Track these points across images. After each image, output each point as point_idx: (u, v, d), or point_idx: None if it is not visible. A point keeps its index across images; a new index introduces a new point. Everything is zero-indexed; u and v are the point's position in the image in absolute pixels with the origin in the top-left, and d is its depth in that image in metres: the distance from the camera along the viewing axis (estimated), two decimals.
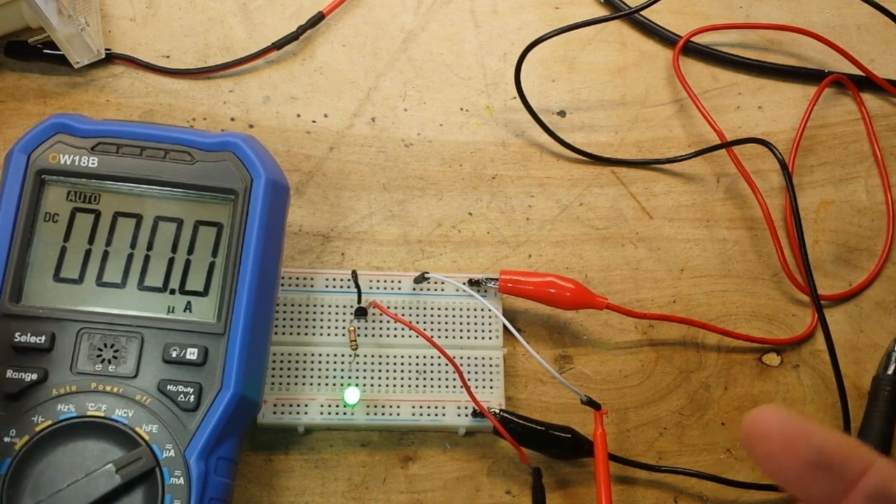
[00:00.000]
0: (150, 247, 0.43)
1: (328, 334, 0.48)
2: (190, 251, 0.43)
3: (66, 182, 0.43)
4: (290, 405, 0.46)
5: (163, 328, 0.41)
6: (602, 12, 0.59)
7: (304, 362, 0.47)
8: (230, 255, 0.42)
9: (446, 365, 0.47)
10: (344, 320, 0.48)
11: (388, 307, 0.47)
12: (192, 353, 0.41)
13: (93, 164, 0.43)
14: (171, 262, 0.43)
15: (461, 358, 0.48)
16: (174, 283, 0.43)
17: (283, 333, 0.47)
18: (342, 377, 0.47)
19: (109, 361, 0.40)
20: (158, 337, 0.41)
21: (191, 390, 0.40)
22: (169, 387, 0.40)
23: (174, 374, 0.40)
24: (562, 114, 0.57)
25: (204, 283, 0.43)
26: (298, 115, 0.54)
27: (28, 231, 0.42)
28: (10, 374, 0.40)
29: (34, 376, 0.40)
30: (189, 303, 0.42)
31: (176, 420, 0.40)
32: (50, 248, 0.42)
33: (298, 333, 0.47)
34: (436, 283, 0.49)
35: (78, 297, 0.42)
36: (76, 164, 0.43)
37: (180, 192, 0.44)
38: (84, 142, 0.43)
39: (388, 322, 0.48)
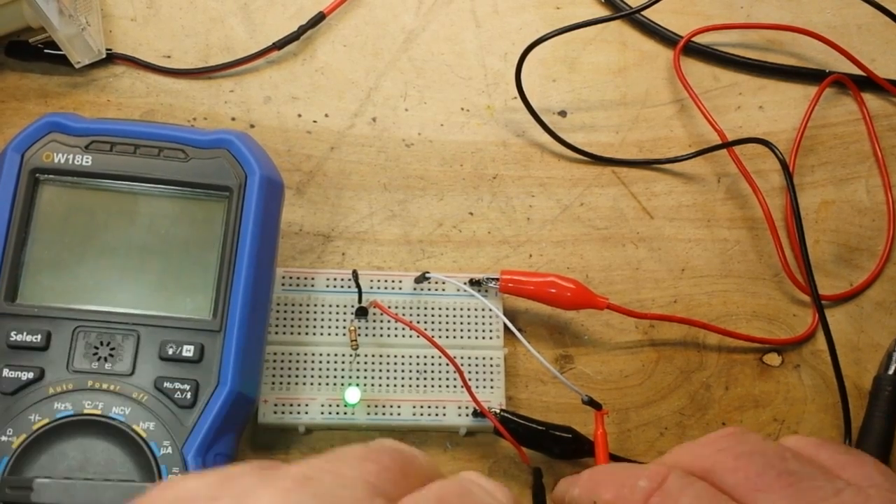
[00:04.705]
0: (144, 244, 0.43)
1: (329, 334, 0.47)
2: (185, 248, 0.43)
3: (60, 181, 0.43)
4: (291, 405, 0.46)
5: (158, 325, 0.41)
6: (603, 12, 0.59)
7: (305, 362, 0.47)
8: (225, 251, 0.42)
9: (447, 365, 0.47)
10: (344, 320, 0.48)
11: (389, 307, 0.47)
12: (188, 350, 0.41)
13: (87, 162, 0.43)
14: (165, 259, 0.43)
15: (462, 358, 0.48)
16: (169, 280, 0.43)
17: (284, 333, 0.47)
18: (343, 377, 0.47)
19: (106, 359, 0.40)
20: (154, 334, 0.41)
21: (187, 387, 0.40)
22: (165, 384, 0.40)
23: (171, 371, 0.40)
24: (562, 114, 0.57)
25: (199, 279, 0.43)
26: (299, 115, 0.54)
27: (23, 230, 0.42)
28: (6, 372, 0.40)
29: (30, 375, 0.40)
30: (185, 300, 0.42)
31: (173, 417, 0.40)
32: (45, 247, 0.42)
33: (299, 333, 0.47)
34: (436, 282, 0.49)
35: (73, 295, 0.42)
36: (70, 162, 0.43)
37: (174, 189, 0.44)
38: (78, 140, 0.43)
39: (389, 322, 0.48)
